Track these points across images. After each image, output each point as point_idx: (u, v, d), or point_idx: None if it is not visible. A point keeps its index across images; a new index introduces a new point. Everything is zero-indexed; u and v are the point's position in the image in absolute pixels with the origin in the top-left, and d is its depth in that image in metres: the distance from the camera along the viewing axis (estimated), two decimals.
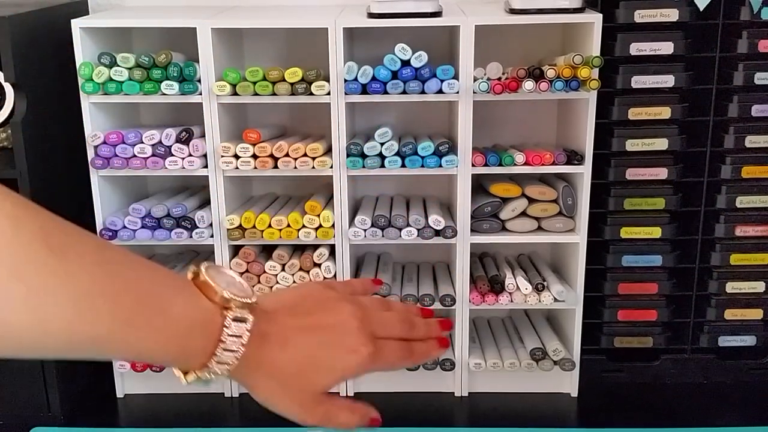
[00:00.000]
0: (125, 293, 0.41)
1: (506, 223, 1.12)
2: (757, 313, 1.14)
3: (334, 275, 1.11)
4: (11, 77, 1.01)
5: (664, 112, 1.06)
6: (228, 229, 1.09)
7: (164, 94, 1.05)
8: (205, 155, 1.08)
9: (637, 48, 1.04)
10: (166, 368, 1.13)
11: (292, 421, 0.50)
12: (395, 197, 1.23)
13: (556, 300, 1.12)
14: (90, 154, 1.07)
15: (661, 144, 1.07)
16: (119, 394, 1.18)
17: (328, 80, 1.04)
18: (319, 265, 1.11)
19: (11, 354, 0.39)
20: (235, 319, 0.45)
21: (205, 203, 1.13)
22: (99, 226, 1.09)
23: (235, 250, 1.13)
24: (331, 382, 0.49)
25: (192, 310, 0.45)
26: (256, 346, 0.46)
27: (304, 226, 1.09)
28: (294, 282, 1.11)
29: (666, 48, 1.04)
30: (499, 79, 1.03)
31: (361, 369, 0.49)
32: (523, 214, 1.12)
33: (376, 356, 0.49)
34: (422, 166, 1.06)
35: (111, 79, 1.04)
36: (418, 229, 1.09)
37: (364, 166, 1.06)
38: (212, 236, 1.11)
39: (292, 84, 1.04)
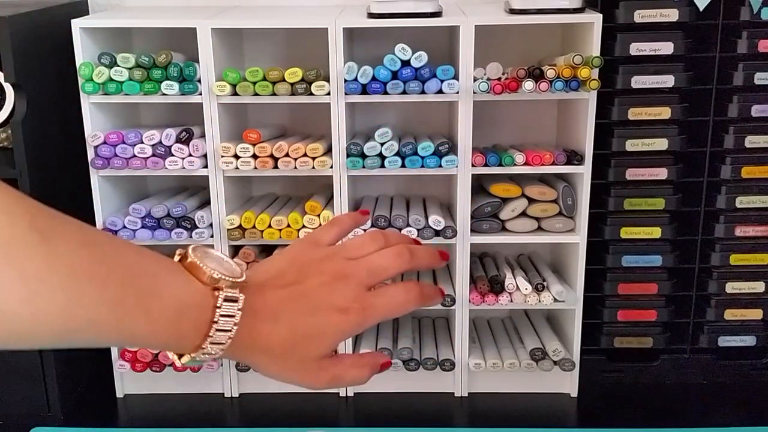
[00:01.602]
0: (114, 276, 0.40)
1: (506, 223, 1.12)
2: (756, 314, 1.14)
3: None
4: (11, 77, 1.01)
5: (664, 113, 1.06)
6: (228, 230, 1.09)
7: (164, 94, 1.05)
8: (205, 155, 1.08)
9: (636, 48, 1.04)
10: (166, 368, 1.13)
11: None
12: (395, 197, 1.23)
13: (555, 300, 1.12)
14: (90, 154, 1.07)
15: (660, 144, 1.07)
16: (119, 394, 1.18)
17: (328, 80, 1.04)
18: None
19: (8, 345, 0.37)
20: (227, 299, 0.45)
21: (205, 203, 1.13)
22: (99, 226, 1.09)
23: (235, 251, 1.13)
24: (327, 348, 0.48)
25: (183, 292, 0.44)
26: (248, 323, 0.45)
27: (304, 227, 1.09)
28: None
29: (666, 48, 1.04)
30: (499, 79, 1.04)
31: (356, 327, 0.48)
32: (523, 214, 1.12)
33: (369, 310, 0.48)
34: (422, 166, 1.06)
35: (111, 79, 1.04)
36: (418, 230, 1.09)
37: (364, 166, 1.06)
38: (212, 236, 1.11)
39: (292, 84, 1.04)
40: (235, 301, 0.45)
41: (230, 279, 0.45)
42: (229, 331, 0.44)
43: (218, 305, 0.44)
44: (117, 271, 0.40)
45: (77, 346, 0.41)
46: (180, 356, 0.46)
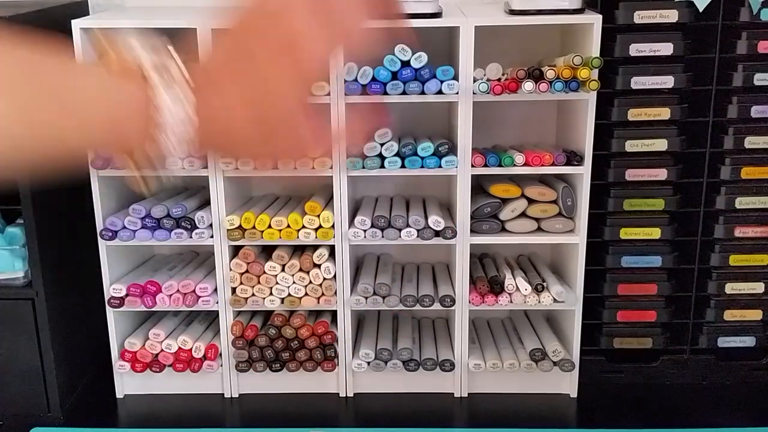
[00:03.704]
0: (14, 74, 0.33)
1: (506, 223, 1.12)
2: (756, 314, 1.14)
3: (334, 276, 1.11)
4: None
5: (664, 113, 1.06)
6: (228, 230, 1.09)
7: None
8: (205, 155, 1.08)
9: (636, 49, 1.04)
10: (166, 368, 1.13)
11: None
12: (395, 198, 1.23)
13: (555, 301, 1.12)
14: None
15: (660, 145, 1.07)
16: (119, 395, 1.18)
17: (328, 80, 1.04)
18: (318, 266, 1.11)
19: None
20: (155, 70, 0.38)
21: (205, 203, 1.13)
22: (99, 226, 1.10)
23: (235, 251, 1.13)
24: (298, 91, 0.41)
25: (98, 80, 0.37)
26: (199, 99, 0.38)
27: (303, 227, 1.09)
28: (294, 283, 1.11)
29: (665, 49, 1.04)
30: (499, 79, 1.04)
31: (319, 50, 0.41)
32: (523, 214, 1.12)
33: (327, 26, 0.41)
34: (422, 166, 1.06)
35: None
36: (418, 230, 1.09)
37: (363, 167, 1.06)
38: (212, 237, 1.11)
39: None
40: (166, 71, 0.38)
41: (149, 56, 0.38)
42: (180, 105, 0.37)
43: (151, 85, 0.37)
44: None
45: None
46: (146, 179, 0.39)
